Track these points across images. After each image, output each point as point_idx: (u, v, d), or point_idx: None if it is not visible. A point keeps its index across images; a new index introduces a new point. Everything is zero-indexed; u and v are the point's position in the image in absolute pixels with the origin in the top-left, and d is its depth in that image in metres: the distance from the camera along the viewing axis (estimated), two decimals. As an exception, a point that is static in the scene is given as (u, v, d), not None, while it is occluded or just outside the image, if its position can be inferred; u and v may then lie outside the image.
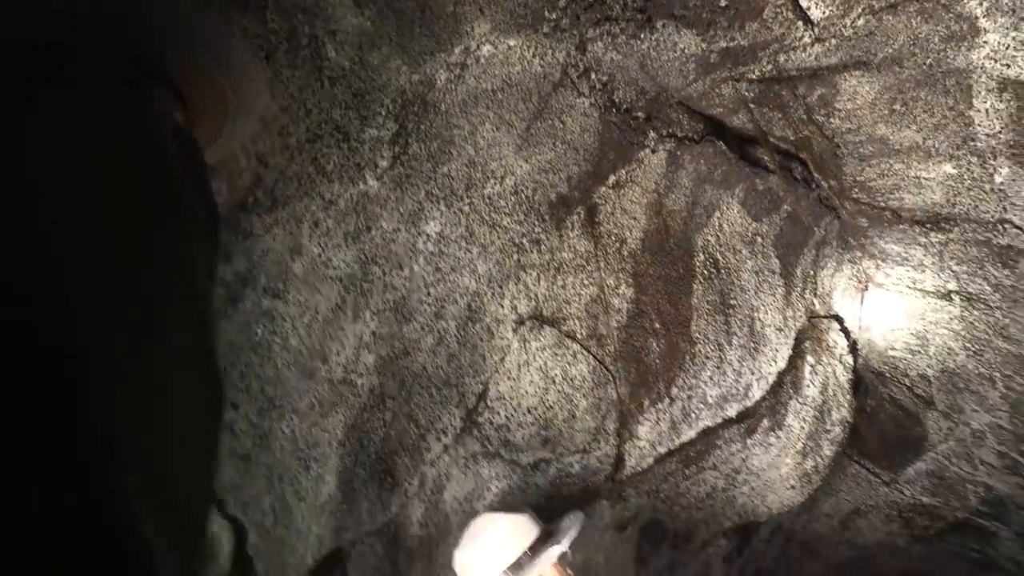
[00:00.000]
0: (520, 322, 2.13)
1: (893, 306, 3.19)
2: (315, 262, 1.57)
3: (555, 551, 1.58)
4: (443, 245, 1.85)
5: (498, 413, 2.17)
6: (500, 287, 2.05)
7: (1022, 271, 2.56)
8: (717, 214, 2.59)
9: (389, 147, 1.64)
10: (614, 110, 2.14)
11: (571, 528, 1.63)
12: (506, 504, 2.15)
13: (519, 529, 1.59)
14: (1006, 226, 2.42)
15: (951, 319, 3.03)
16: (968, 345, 3.11)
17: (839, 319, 3.29)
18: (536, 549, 1.57)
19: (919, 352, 3.35)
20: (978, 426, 3.55)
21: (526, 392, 2.22)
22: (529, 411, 2.24)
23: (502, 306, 2.07)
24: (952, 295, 2.92)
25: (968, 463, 3.83)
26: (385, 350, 1.79)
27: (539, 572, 1.55)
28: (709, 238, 2.61)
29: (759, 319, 2.85)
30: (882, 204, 2.64)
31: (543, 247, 2.13)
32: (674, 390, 2.67)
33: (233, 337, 1.41)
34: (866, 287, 3.18)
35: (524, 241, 2.06)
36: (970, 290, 2.83)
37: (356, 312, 1.69)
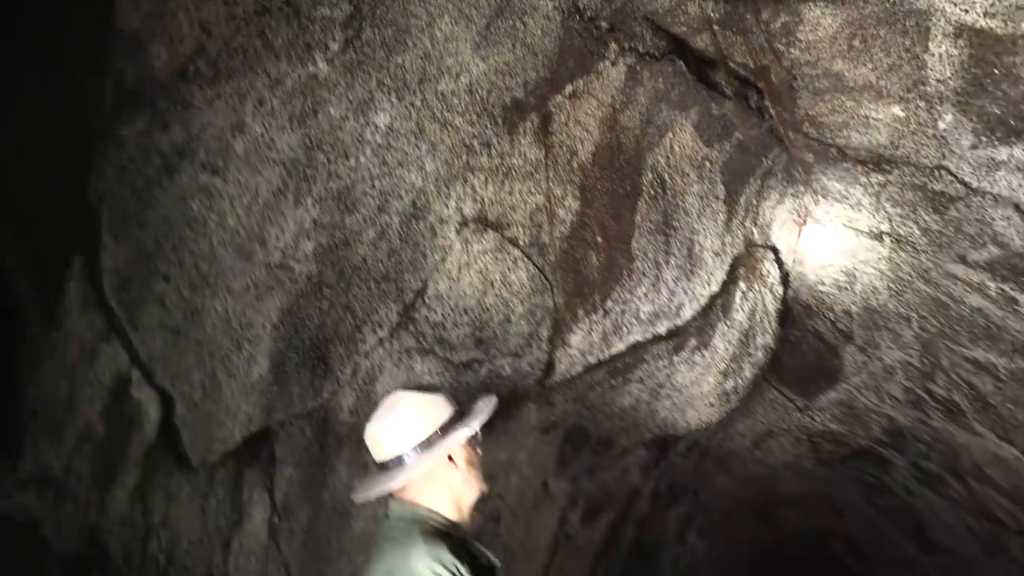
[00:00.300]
0: (464, 223, 2.14)
1: (828, 242, 3.29)
2: (258, 142, 1.53)
3: (464, 433, 1.61)
4: (392, 138, 1.82)
5: (435, 311, 2.21)
6: (447, 187, 2.04)
7: (950, 217, 2.67)
8: (670, 135, 2.60)
9: (341, 30, 1.58)
10: (578, 16, 2.10)
11: (483, 411, 1.66)
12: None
13: (432, 408, 1.62)
14: (942, 172, 2.50)
15: (879, 259, 3.16)
16: (891, 285, 3.25)
17: (775, 250, 3.39)
18: (447, 429, 1.60)
19: (846, 288, 3.49)
20: (890, 362, 3.76)
21: (464, 293, 2.25)
22: (466, 312, 2.28)
23: (447, 206, 2.07)
24: (883, 236, 3.03)
25: (876, 395, 4.08)
26: (325, 239, 1.78)
27: (448, 451, 1.59)
28: (659, 158, 2.63)
29: (698, 242, 2.92)
30: (830, 141, 2.69)
31: (493, 151, 2.11)
32: (609, 303, 2.74)
33: (167, 210, 1.38)
34: (804, 221, 3.27)
35: (475, 143, 2.04)
36: (901, 232, 2.94)
37: (298, 198, 1.67)
